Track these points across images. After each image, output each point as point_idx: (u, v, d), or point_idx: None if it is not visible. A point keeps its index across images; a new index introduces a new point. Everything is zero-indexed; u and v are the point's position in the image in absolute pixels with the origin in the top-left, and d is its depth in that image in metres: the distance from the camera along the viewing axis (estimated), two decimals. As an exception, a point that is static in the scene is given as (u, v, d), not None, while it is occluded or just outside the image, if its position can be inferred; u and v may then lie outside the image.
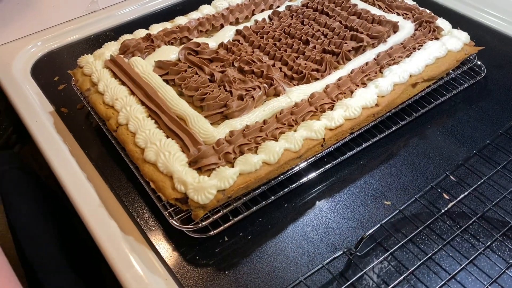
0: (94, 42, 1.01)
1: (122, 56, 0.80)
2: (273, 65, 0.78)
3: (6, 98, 0.94)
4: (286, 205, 0.68)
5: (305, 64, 0.78)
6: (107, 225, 0.65)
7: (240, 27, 0.88)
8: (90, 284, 0.76)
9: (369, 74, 0.75)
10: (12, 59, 0.94)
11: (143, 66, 0.77)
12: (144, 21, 1.05)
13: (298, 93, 0.72)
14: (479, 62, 0.89)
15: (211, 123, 0.68)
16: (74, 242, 0.90)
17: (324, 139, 0.67)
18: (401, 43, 0.82)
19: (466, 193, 0.66)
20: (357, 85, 0.74)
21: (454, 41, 0.83)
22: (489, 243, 0.62)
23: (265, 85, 0.73)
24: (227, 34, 0.87)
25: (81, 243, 0.89)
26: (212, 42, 0.84)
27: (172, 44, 0.85)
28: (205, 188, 0.58)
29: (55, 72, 0.93)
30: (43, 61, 0.96)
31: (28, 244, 0.77)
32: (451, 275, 0.58)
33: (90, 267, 0.84)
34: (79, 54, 0.97)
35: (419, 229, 0.63)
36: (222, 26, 0.89)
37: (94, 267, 0.86)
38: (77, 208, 0.67)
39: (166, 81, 0.75)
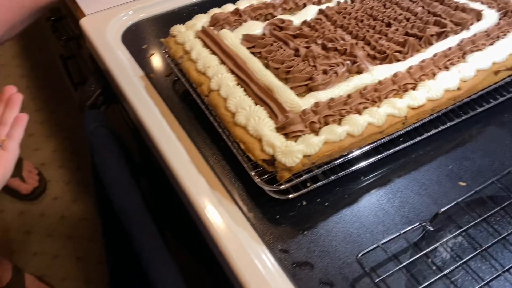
0: (177, 15, 1.07)
1: (212, 28, 0.85)
2: (356, 44, 0.81)
3: (96, 62, 1.02)
4: (362, 178, 0.72)
5: (388, 45, 0.80)
6: (196, 179, 0.70)
7: (323, 7, 0.91)
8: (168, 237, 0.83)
9: (452, 59, 0.77)
10: (105, 26, 1.01)
11: (232, 39, 0.82)
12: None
13: (381, 72, 0.74)
14: (561, 56, 0.88)
15: (296, 95, 0.72)
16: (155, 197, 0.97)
17: (406, 117, 0.70)
18: (485, 31, 0.83)
19: (544, 180, 0.67)
20: (440, 69, 0.75)
21: (540, 32, 0.82)
22: None
23: (348, 62, 0.76)
24: (309, 12, 0.90)
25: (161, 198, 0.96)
26: (296, 19, 0.88)
27: (257, 19, 0.89)
28: (292, 152, 0.63)
29: (143, 41, 1.00)
30: (132, 30, 1.03)
31: (116, 196, 0.84)
32: (525, 256, 0.60)
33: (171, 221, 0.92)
34: (163, 25, 1.04)
35: (494, 210, 0.65)
36: (305, 5, 0.92)
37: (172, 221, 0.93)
38: (169, 162, 0.73)
39: (253, 54, 0.80)
